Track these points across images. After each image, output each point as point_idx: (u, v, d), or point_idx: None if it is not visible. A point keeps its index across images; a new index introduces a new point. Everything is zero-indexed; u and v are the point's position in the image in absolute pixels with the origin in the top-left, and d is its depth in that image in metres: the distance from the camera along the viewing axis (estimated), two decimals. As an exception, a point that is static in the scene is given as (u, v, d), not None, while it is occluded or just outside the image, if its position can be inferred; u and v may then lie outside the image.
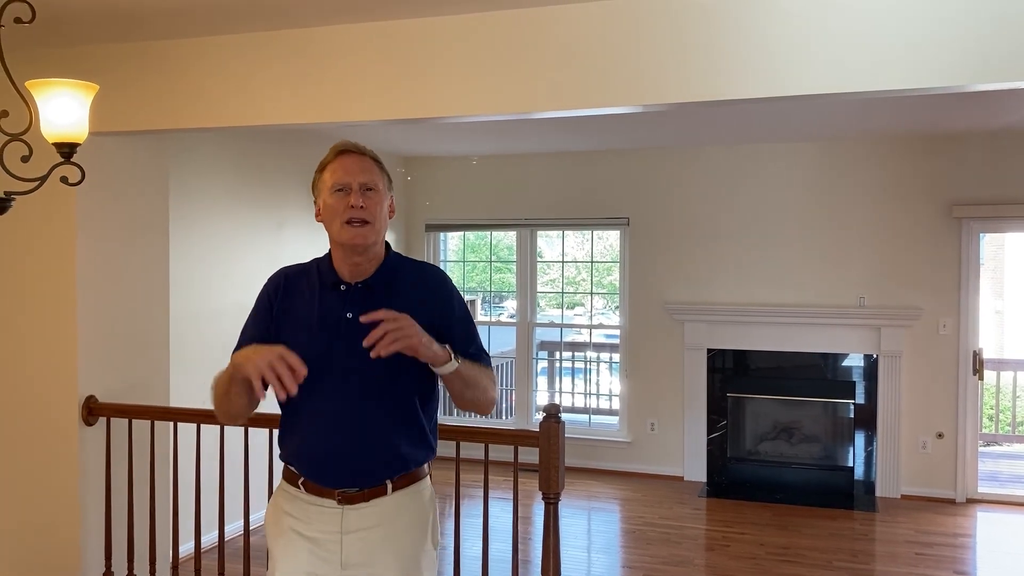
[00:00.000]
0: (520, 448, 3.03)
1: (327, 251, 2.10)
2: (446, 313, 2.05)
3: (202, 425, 3.54)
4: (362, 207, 1.96)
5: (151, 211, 4.01)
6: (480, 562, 3.14)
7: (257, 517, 4.77)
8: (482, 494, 3.20)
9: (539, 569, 3.15)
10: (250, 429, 3.43)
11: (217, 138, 5.05)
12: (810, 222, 6.31)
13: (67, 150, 2.06)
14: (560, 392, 7.64)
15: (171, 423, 3.62)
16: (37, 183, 2.09)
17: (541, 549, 3.03)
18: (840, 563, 4.80)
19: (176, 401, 4.21)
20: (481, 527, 3.15)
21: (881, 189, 6.14)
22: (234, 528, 4.77)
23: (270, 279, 2.12)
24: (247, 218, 5.35)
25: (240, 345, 2.02)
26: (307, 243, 6.05)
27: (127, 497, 3.59)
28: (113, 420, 3.63)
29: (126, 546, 3.62)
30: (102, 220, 3.72)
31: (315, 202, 2.07)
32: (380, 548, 1.98)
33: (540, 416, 3.27)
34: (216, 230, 5.03)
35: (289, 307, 2.04)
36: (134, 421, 3.62)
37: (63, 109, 2.04)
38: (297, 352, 1.81)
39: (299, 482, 2.00)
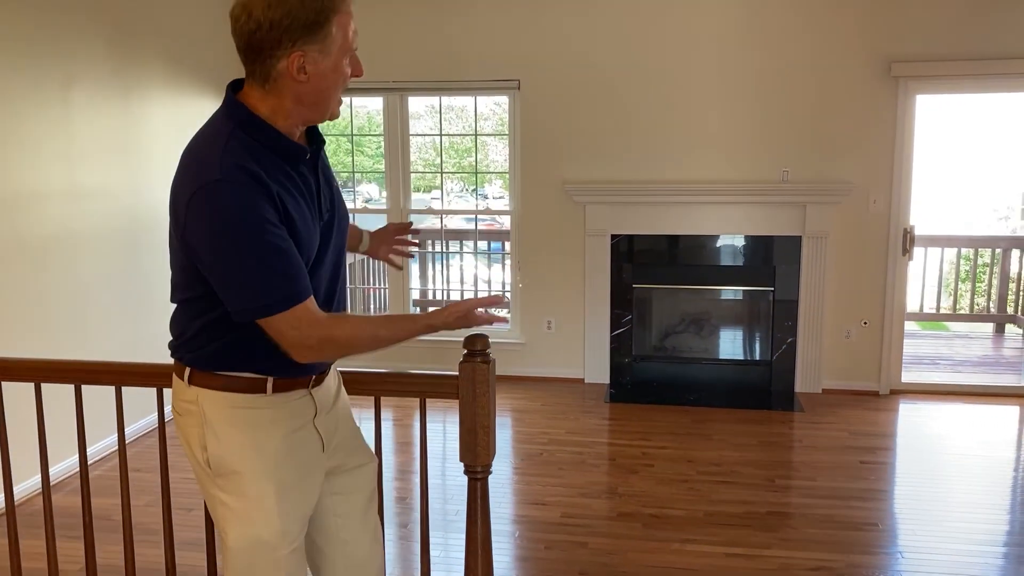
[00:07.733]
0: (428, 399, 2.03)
1: (240, 118, 1.60)
2: None
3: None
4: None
5: None
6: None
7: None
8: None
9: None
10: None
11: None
12: (729, 86, 5.43)
13: None
14: (438, 289, 6.64)
15: None
16: None
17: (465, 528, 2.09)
18: (782, 480, 4.16)
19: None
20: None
21: (810, 45, 5.31)
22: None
23: (244, 183, 1.53)
24: (22, 75, 3.88)
25: (300, 273, 1.59)
26: (104, 103, 4.61)
27: None
28: None
29: None
30: None
31: (311, 51, 1.56)
32: (340, 415, 1.89)
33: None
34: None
35: (286, 203, 1.61)
36: None
37: None
38: (311, 244, 1.67)
39: (267, 385, 1.71)
